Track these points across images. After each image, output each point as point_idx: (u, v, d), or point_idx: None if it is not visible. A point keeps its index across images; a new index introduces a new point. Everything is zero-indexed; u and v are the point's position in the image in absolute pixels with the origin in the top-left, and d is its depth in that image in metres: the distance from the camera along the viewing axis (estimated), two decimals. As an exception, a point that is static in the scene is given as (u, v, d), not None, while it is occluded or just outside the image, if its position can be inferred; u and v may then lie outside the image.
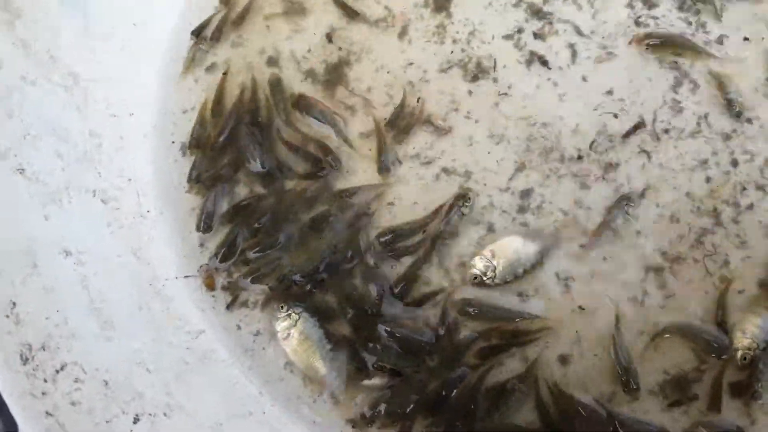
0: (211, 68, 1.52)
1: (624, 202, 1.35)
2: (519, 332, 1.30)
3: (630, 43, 1.45)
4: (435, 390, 1.26)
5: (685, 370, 1.26)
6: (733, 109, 1.39)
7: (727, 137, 1.39)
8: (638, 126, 1.40)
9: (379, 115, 1.45)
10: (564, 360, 1.29)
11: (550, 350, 1.29)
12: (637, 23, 1.47)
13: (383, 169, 1.41)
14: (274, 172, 1.42)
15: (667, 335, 1.28)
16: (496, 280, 1.31)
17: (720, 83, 1.41)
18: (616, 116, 1.41)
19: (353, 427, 1.28)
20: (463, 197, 1.37)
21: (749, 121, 1.40)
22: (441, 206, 1.38)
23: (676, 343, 1.28)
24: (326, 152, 1.42)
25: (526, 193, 1.39)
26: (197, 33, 1.53)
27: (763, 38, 1.45)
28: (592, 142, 1.39)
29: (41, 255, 1.26)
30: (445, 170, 1.42)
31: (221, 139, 1.43)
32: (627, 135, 1.40)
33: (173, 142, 1.46)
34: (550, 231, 1.36)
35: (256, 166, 1.41)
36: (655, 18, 1.48)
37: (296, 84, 1.50)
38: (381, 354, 1.28)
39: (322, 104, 1.46)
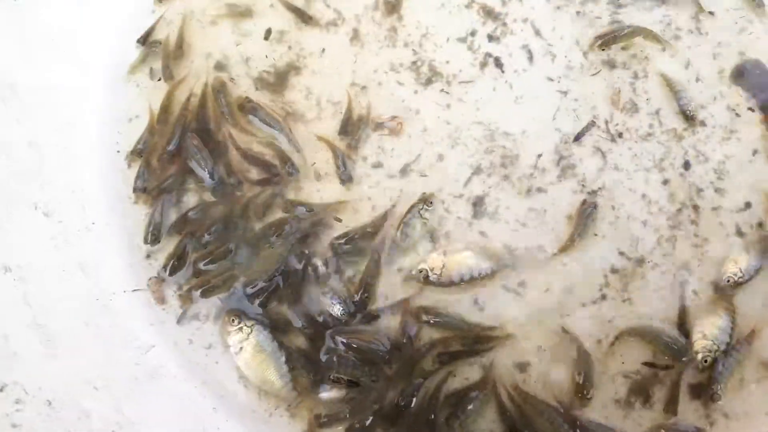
0: (153, 74, 1.47)
1: (588, 208, 1.34)
2: (479, 339, 1.28)
3: (592, 47, 1.44)
4: (394, 400, 1.24)
5: (644, 373, 1.25)
6: (686, 114, 1.39)
7: (680, 138, 1.39)
8: (590, 126, 1.40)
9: (330, 124, 1.43)
10: (523, 367, 1.27)
11: (509, 358, 1.28)
12: (593, 24, 1.46)
13: (344, 180, 1.39)
14: (224, 180, 1.38)
15: (627, 338, 1.27)
16: (442, 279, 1.29)
17: (673, 87, 1.40)
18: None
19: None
20: (425, 201, 1.35)
21: (702, 123, 1.40)
22: (390, 209, 1.36)
23: (637, 347, 1.27)
24: (283, 159, 1.40)
25: (481, 199, 1.37)
26: (143, 41, 1.49)
27: (707, 32, 1.45)
28: (560, 159, 1.38)
29: (-22, 272, 1.23)
30: (400, 174, 1.39)
31: (170, 147, 1.40)
32: (578, 137, 1.39)
33: (118, 152, 1.42)
34: (505, 243, 1.34)
35: (203, 174, 1.38)
36: (616, 14, 1.47)
37: (244, 89, 1.46)
38: (338, 365, 1.26)
39: (268, 108, 1.43)
